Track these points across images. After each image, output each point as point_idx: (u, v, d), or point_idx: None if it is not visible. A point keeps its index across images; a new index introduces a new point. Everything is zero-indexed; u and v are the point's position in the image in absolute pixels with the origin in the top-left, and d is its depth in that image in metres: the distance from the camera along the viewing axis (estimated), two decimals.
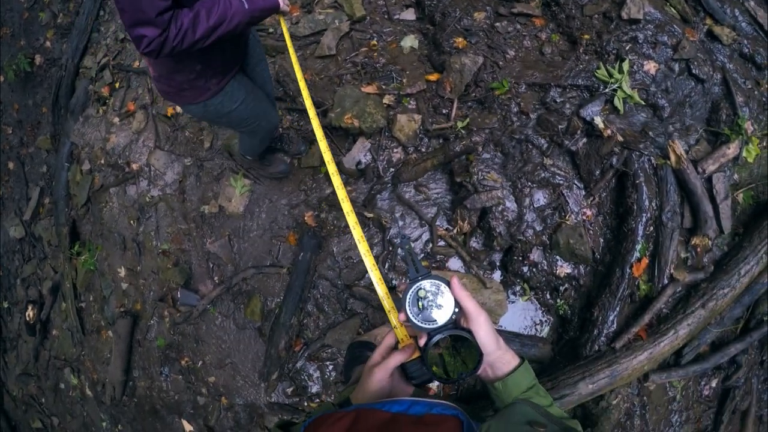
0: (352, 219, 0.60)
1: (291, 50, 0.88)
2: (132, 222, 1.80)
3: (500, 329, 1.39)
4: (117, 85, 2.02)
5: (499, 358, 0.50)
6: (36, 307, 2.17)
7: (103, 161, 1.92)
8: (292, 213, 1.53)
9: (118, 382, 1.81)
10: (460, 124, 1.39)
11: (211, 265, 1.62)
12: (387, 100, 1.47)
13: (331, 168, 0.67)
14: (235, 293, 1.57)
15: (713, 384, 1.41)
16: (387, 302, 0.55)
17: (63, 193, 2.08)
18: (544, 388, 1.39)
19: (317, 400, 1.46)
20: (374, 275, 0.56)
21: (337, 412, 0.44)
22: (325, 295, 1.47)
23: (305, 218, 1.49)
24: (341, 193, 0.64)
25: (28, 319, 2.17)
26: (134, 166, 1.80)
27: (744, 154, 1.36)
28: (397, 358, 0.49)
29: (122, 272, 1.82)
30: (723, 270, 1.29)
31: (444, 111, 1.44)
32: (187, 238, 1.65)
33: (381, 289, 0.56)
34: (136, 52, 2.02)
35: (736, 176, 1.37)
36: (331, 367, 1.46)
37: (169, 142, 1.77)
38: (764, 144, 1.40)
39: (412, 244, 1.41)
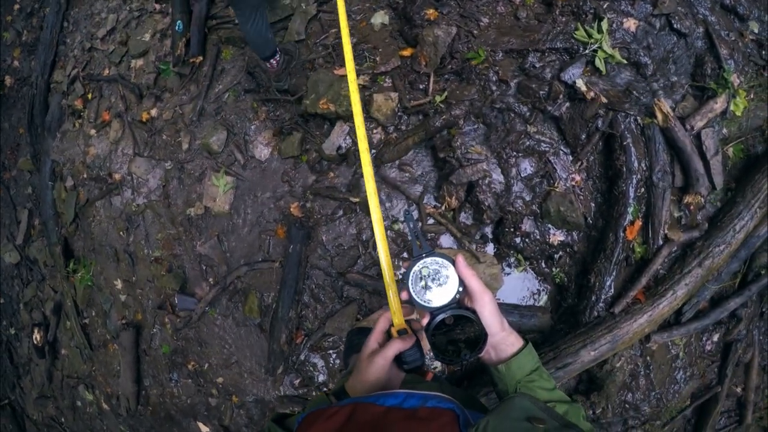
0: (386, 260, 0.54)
1: (346, 37, 0.71)
2: (121, 233, 1.79)
3: (498, 302, 1.39)
4: (89, 96, 1.98)
5: (503, 340, 0.49)
6: (42, 329, 2.19)
7: (85, 175, 1.90)
8: (278, 205, 1.52)
9: (131, 393, 1.84)
10: (438, 99, 1.36)
11: (204, 267, 1.62)
12: (361, 80, 1.44)
13: (379, 230, 0.55)
14: (231, 292, 1.57)
15: (715, 339, 1.41)
16: (391, 282, 0.52)
17: (51, 213, 2.06)
18: (546, 357, 1.38)
19: (325, 389, 1.47)
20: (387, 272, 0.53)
21: (332, 406, 0.43)
22: (319, 285, 1.47)
23: (291, 209, 1.48)
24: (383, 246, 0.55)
25: (35, 342, 2.19)
26: (116, 177, 1.78)
27: (732, 107, 1.32)
28: (396, 346, 0.48)
29: (119, 284, 1.82)
30: (718, 227, 1.27)
31: (421, 86, 1.41)
32: (177, 242, 1.65)
33: (388, 273, 0.53)
34: (105, 60, 1.98)
35: (725, 131, 1.34)
36: (334, 355, 1.47)
37: (148, 148, 1.75)
38: (752, 96, 1.36)
39: (400, 225, 1.40)
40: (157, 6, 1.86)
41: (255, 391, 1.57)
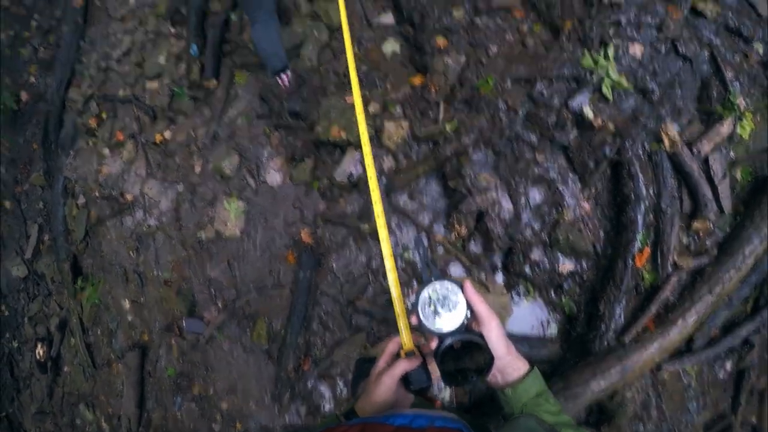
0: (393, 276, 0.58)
1: (346, 33, 0.77)
2: (131, 253, 1.80)
3: (507, 332, 1.38)
4: (104, 115, 2.01)
5: (509, 364, 0.50)
6: (45, 344, 2.18)
7: (97, 194, 1.92)
8: (289, 231, 1.52)
9: (132, 414, 1.81)
10: (448, 127, 1.38)
11: (214, 291, 1.61)
12: (373, 108, 1.46)
13: (387, 251, 0.58)
14: (239, 317, 1.57)
15: (728, 366, 1.39)
16: (399, 306, 0.54)
17: (61, 229, 2.08)
18: (556, 388, 1.36)
19: None
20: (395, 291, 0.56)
21: (341, 425, 0.44)
22: (328, 312, 1.46)
23: (302, 235, 1.48)
24: (389, 264, 0.59)
25: (38, 357, 2.18)
26: (128, 197, 1.80)
27: (738, 130, 1.32)
28: (403, 366, 0.50)
29: (127, 304, 1.82)
30: (727, 252, 1.26)
31: (431, 114, 1.42)
32: (188, 265, 1.65)
33: (397, 296, 0.55)
34: (120, 80, 2.02)
35: (732, 154, 1.33)
36: (341, 383, 1.45)
37: (161, 170, 1.77)
38: (758, 118, 1.36)
39: (410, 253, 1.40)
40: (173, 29, 1.90)
41: (260, 418, 1.54)
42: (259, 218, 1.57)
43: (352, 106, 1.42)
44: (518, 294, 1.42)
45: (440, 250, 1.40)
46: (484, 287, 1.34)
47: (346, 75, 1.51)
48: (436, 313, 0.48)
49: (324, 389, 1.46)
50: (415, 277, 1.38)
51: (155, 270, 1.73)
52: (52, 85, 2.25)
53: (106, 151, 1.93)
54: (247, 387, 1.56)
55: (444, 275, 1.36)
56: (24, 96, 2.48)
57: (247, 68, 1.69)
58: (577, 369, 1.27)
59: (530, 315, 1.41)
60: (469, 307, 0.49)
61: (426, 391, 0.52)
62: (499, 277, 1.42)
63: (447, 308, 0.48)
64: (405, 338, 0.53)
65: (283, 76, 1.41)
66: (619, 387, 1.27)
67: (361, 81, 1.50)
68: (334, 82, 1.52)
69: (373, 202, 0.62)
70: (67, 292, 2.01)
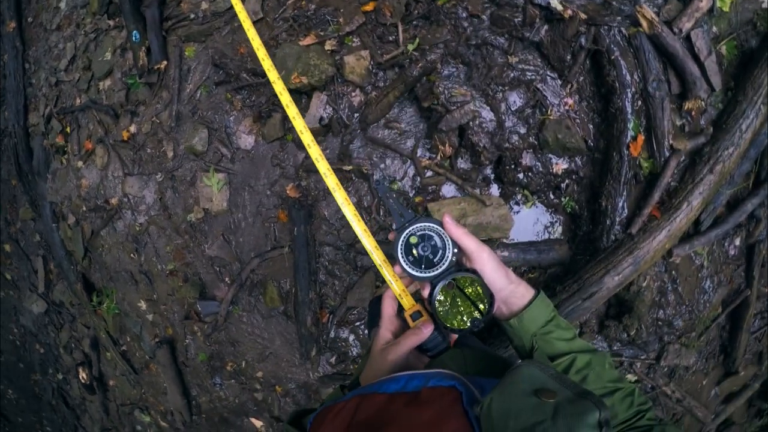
0: (332, 180, 0.54)
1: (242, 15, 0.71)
2: (132, 255, 1.82)
3: (513, 242, 1.38)
4: (68, 129, 1.97)
5: (511, 293, 0.46)
6: (86, 366, 2.27)
7: (84, 208, 1.91)
8: (274, 190, 1.50)
9: (182, 406, 1.91)
10: (410, 47, 1.30)
11: (218, 269, 1.64)
12: (329, 45, 1.38)
13: (307, 138, 0.56)
14: (249, 287, 1.59)
15: (737, 243, 1.38)
16: (377, 255, 0.49)
17: (62, 253, 2.10)
18: (571, 290, 1.35)
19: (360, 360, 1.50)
20: (363, 235, 0.51)
21: (339, 402, 0.40)
22: (332, 261, 1.47)
23: (288, 191, 1.47)
24: (322, 164, 0.55)
25: (83, 380, 2.28)
26: (113, 201, 1.79)
27: (718, 3, 1.23)
28: (411, 341, 0.45)
29: (143, 305, 1.87)
30: (723, 129, 1.22)
31: (391, 38, 1.35)
32: (186, 250, 1.67)
33: (369, 243, 0.50)
34: (73, 90, 1.96)
35: (715, 29, 1.26)
36: (362, 326, 1.50)
37: (136, 165, 1.75)
38: None
39: (399, 184, 1.38)
40: (111, 22, 1.80)
41: (295, 377, 1.61)
42: (242, 186, 1.55)
43: (307, 49, 1.35)
44: (517, 203, 1.40)
45: (429, 173, 1.37)
46: (480, 202, 1.32)
47: (296, 19, 1.42)
48: (420, 257, 0.43)
49: (347, 335, 1.51)
50: (410, 207, 1.37)
51: (158, 264, 1.75)
52: (11, 117, 2.19)
53: (80, 163, 1.90)
54: (275, 351, 1.61)
55: (438, 201, 1.35)
56: None
57: (194, 39, 1.61)
58: (589, 268, 1.28)
59: (533, 221, 1.40)
60: (455, 242, 0.44)
61: (447, 351, 0.46)
62: (495, 190, 1.40)
63: (430, 250, 0.43)
64: (403, 300, 0.47)
65: None
66: (633, 278, 1.27)
67: (311, 21, 1.41)
68: (284, 29, 1.44)
69: (306, 145, 0.55)
70: (87, 311, 2.07)
